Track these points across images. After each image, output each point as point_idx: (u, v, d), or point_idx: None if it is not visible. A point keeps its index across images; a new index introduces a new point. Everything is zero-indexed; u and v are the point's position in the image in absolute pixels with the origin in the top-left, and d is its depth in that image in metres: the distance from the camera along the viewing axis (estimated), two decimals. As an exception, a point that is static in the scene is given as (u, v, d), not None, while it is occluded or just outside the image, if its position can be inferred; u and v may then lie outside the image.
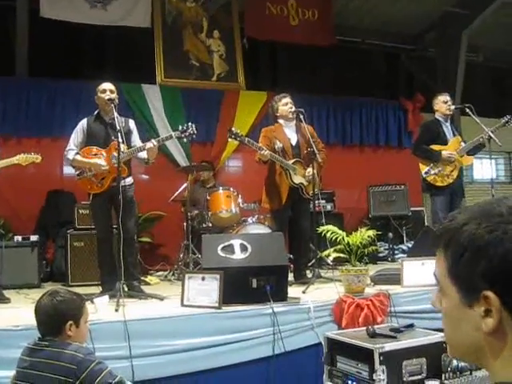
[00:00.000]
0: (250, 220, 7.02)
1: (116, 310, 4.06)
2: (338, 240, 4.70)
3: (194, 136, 5.22)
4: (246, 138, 5.52)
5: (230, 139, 5.57)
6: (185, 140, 5.41)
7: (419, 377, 3.55)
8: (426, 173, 6.33)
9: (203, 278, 4.26)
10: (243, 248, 4.49)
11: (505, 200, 1.08)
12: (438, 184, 6.30)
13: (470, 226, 1.05)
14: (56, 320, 2.66)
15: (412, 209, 8.64)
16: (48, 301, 2.70)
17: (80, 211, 6.57)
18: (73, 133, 5.16)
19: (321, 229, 4.86)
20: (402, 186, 8.52)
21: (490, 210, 1.07)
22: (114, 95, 5.04)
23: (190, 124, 5.16)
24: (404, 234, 8.64)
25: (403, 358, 3.52)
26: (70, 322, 2.68)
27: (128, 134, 5.12)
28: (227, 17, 8.94)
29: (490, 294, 1.00)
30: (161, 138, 5.24)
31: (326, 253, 4.94)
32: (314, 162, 5.46)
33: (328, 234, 4.76)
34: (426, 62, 11.05)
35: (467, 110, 6.28)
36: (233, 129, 5.50)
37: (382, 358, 3.41)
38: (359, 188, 9.16)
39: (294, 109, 5.67)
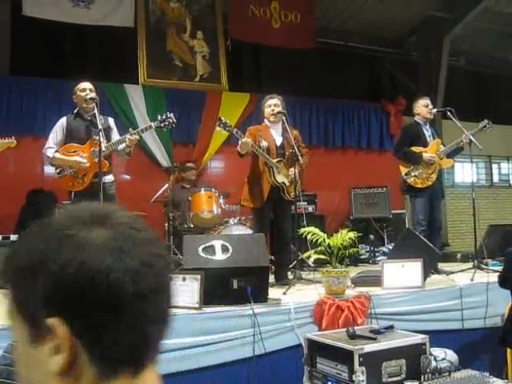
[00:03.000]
0: (231, 221, 7.02)
1: (95, 311, 4.02)
2: (319, 242, 4.70)
3: (174, 125, 5.18)
4: (235, 129, 5.49)
5: (218, 128, 5.48)
6: (165, 130, 5.34)
7: (398, 378, 3.56)
8: (406, 174, 6.36)
9: (184, 279, 4.23)
10: (224, 249, 4.48)
11: (92, 205, 0.90)
12: (418, 186, 6.33)
13: (30, 239, 0.85)
14: None
15: (393, 211, 8.69)
16: None
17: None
18: (51, 132, 5.15)
19: (302, 230, 4.87)
20: (384, 189, 8.56)
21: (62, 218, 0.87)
22: (94, 94, 5.02)
23: (168, 113, 5.13)
24: (385, 237, 8.68)
25: (383, 359, 3.53)
26: None
27: (108, 130, 5.11)
28: (211, 18, 8.94)
29: (53, 321, 0.77)
30: (140, 129, 5.19)
31: (306, 254, 4.94)
32: (296, 164, 5.47)
33: (309, 236, 4.76)
34: (409, 66, 11.13)
35: (448, 114, 6.33)
36: (222, 118, 5.44)
37: (361, 359, 3.42)
38: (341, 190, 9.19)
39: (277, 110, 5.67)
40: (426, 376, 3.54)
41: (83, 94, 4.99)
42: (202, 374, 3.96)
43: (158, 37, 8.50)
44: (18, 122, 7.64)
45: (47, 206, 6.96)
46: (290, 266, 6.08)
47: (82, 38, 8.79)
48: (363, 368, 3.43)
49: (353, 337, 3.72)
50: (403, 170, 6.41)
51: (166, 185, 7.00)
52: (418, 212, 6.35)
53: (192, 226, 6.92)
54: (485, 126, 6.46)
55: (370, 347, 3.51)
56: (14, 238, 6.32)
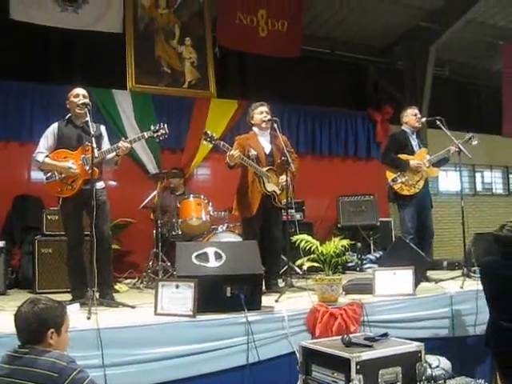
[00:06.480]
0: (220, 228, 7.02)
1: (88, 318, 3.98)
2: (312, 249, 4.71)
3: (166, 136, 5.14)
4: (222, 142, 5.48)
5: (204, 142, 5.49)
6: (157, 140, 5.29)
7: (395, 386, 3.59)
8: (393, 180, 6.40)
9: (177, 286, 4.21)
10: (218, 256, 4.47)
11: None
12: (405, 193, 6.37)
13: None
14: (37, 328, 2.60)
15: (380, 219, 8.73)
16: (29, 308, 2.63)
17: (48, 217, 6.45)
18: (42, 137, 5.07)
19: (295, 238, 4.86)
20: (371, 196, 8.60)
21: None
22: (87, 100, 4.98)
23: (161, 124, 5.11)
24: (371, 244, 8.71)
25: (379, 366, 3.54)
26: (52, 330, 2.62)
27: (99, 138, 5.06)
28: (199, 24, 8.92)
29: None
30: (133, 139, 5.15)
31: (299, 262, 4.94)
32: (287, 171, 5.47)
33: (302, 244, 4.76)
34: (394, 75, 11.21)
35: (438, 123, 6.37)
36: (208, 132, 5.43)
37: (358, 366, 3.43)
38: (328, 198, 9.22)
39: (268, 118, 5.67)
40: (421, 383, 3.56)
41: (76, 99, 4.95)
42: (195, 382, 3.93)
43: (147, 43, 8.46)
44: (5, 127, 7.56)
45: (34, 211, 6.91)
46: (280, 273, 6.06)
47: (69, 43, 8.72)
48: (360, 376, 3.44)
49: (348, 344, 3.74)
50: (390, 176, 6.44)
51: (155, 191, 6.95)
52: (407, 221, 6.38)
53: (180, 232, 6.90)
54: (470, 139, 6.50)
55: (366, 355, 3.52)
56: (0, 244, 6.25)
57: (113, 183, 8.05)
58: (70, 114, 5.06)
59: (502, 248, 4.30)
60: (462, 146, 6.23)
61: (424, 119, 6.72)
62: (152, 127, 5.10)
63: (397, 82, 11.01)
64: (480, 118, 12.67)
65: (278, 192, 5.62)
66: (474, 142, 6.47)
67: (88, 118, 4.80)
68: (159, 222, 6.84)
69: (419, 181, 6.40)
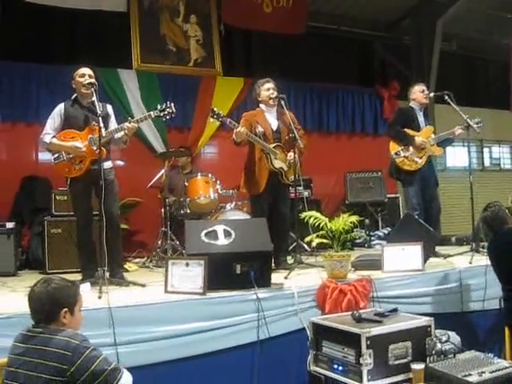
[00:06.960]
0: (228, 206, 7.02)
1: (99, 297, 4.01)
2: (321, 226, 4.71)
3: (173, 115, 5.12)
4: (228, 119, 5.48)
5: (212, 119, 5.50)
6: (164, 119, 5.27)
7: (405, 360, 3.61)
8: (396, 153, 6.38)
9: (187, 264, 4.23)
10: (227, 234, 4.48)
11: None
12: (406, 168, 6.34)
13: None
14: (51, 307, 2.62)
15: (388, 195, 8.71)
16: (43, 288, 2.65)
17: (57, 197, 6.46)
18: (49, 118, 5.07)
19: (304, 214, 4.87)
20: (379, 173, 8.57)
21: None
22: (93, 80, 4.96)
23: (168, 103, 5.09)
24: (380, 221, 8.70)
25: (389, 342, 3.57)
26: (65, 310, 2.64)
27: (106, 117, 5.05)
28: (204, 2, 8.84)
29: None
30: (139, 118, 5.14)
31: (308, 239, 4.94)
32: (295, 147, 5.46)
33: (311, 220, 4.77)
34: (401, 50, 11.10)
35: (446, 98, 6.34)
36: (215, 109, 5.44)
37: (369, 342, 3.46)
38: (336, 175, 9.20)
39: (275, 94, 5.66)
40: (431, 358, 3.58)
41: (82, 79, 4.93)
42: (206, 360, 3.96)
43: (152, 21, 8.39)
44: (11, 109, 7.54)
45: (42, 192, 6.93)
46: (289, 250, 6.08)
47: (73, 23, 8.66)
48: (370, 351, 3.46)
49: (359, 320, 3.76)
50: (394, 148, 6.41)
51: (163, 170, 6.96)
52: (412, 196, 6.38)
53: (188, 211, 6.90)
54: (478, 123, 6.45)
55: (377, 330, 3.54)
56: (10, 225, 6.29)
57: (120, 163, 8.04)
58: (76, 94, 5.05)
59: (490, 228, 4.42)
60: (470, 121, 6.20)
61: (432, 94, 6.68)
62: (158, 106, 5.08)
63: (404, 57, 10.89)
64: (488, 93, 12.56)
65: (286, 169, 5.62)
66: (478, 125, 6.42)
67: (94, 98, 4.79)
68: (167, 200, 6.86)
69: (422, 157, 6.38)
